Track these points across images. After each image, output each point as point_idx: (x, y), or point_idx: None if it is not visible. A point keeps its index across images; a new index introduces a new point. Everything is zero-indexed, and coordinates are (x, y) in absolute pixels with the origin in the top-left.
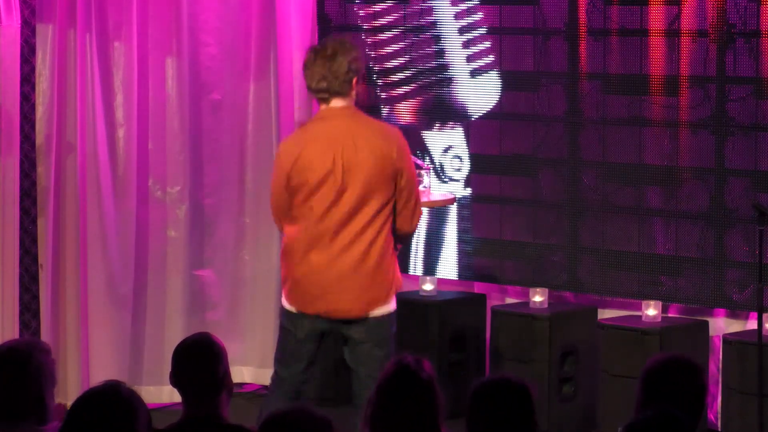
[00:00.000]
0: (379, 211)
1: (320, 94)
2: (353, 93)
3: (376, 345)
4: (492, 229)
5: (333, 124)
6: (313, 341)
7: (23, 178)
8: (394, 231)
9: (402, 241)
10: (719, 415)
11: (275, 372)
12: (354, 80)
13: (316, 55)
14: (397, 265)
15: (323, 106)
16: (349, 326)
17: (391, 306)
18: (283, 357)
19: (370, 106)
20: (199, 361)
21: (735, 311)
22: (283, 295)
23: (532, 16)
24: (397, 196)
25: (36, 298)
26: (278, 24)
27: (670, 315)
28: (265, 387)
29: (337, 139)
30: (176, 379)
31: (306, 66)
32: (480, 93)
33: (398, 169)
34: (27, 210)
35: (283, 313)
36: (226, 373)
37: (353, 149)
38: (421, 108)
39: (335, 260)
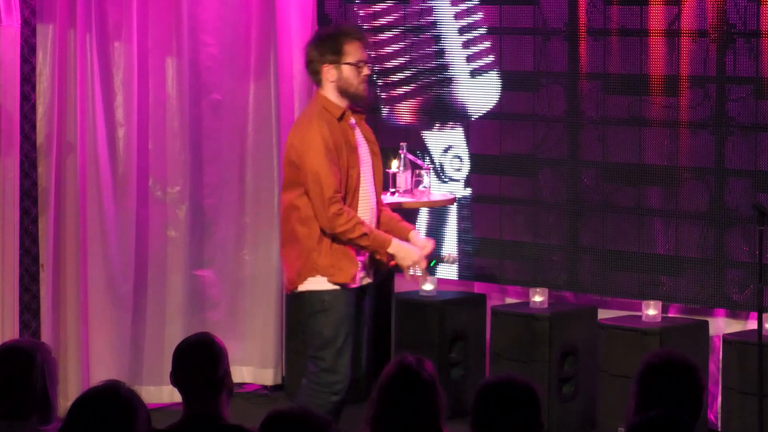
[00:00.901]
0: (291, 200)
1: None
2: (326, 81)
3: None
4: (492, 229)
5: None
6: None
7: (23, 178)
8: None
9: (346, 243)
10: (719, 415)
11: None
12: (322, 69)
13: None
14: (320, 253)
15: None
16: None
17: (303, 286)
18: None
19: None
20: (200, 361)
21: (735, 311)
22: None
23: (532, 16)
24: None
25: (36, 298)
26: (278, 24)
27: (670, 315)
28: (265, 387)
29: None
30: (177, 379)
31: None
32: (480, 93)
33: (292, 162)
34: (27, 210)
35: None
36: (227, 373)
37: None
38: (421, 108)
39: None
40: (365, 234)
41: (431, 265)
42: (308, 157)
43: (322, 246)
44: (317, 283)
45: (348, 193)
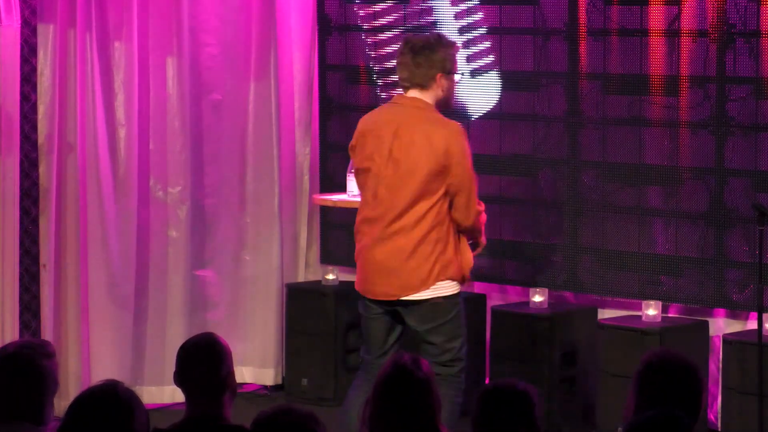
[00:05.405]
0: (430, 206)
1: (403, 82)
2: (435, 88)
3: (427, 330)
4: (492, 229)
5: (396, 110)
6: (382, 322)
7: (23, 178)
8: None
9: (468, 235)
10: (719, 415)
11: (360, 355)
12: (437, 76)
13: (405, 46)
14: (454, 255)
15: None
16: (404, 309)
17: (433, 293)
18: (363, 339)
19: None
20: (204, 361)
21: (735, 311)
22: None
23: (532, 16)
24: (450, 191)
25: (36, 298)
26: (278, 24)
27: (670, 315)
28: (265, 387)
29: (391, 123)
30: (180, 379)
31: (397, 57)
32: (480, 93)
33: (445, 165)
34: (27, 210)
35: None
36: (230, 374)
37: (406, 139)
38: None
39: (380, 245)
40: (480, 212)
41: None
42: (466, 161)
43: (451, 248)
44: (451, 286)
45: None
